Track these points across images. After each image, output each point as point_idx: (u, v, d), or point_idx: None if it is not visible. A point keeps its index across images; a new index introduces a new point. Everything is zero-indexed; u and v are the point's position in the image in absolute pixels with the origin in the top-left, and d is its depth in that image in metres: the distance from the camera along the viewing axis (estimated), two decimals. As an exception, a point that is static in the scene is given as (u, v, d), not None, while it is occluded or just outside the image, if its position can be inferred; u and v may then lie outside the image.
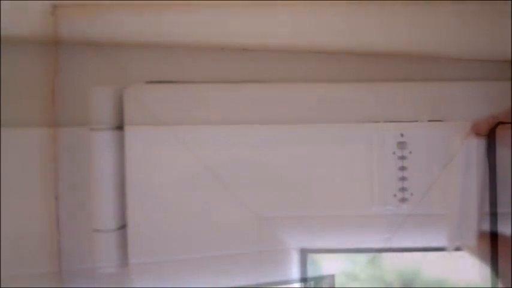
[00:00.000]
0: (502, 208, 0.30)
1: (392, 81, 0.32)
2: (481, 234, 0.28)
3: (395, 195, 0.31)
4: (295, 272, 0.33)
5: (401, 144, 0.31)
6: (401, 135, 0.31)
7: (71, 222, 0.34)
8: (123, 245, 0.32)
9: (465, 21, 0.31)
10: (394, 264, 0.58)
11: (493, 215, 0.28)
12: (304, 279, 0.34)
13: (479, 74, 0.33)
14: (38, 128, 0.34)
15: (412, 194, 0.31)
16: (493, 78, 0.32)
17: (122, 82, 0.32)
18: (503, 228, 0.28)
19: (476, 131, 0.29)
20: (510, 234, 0.28)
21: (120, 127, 0.32)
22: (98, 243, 0.32)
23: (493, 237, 0.28)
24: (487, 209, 0.29)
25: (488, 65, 0.33)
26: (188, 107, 0.31)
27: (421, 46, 0.32)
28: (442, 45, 0.32)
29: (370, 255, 0.58)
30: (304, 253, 0.34)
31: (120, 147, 0.32)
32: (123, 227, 0.32)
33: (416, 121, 0.31)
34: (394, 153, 0.31)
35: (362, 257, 0.57)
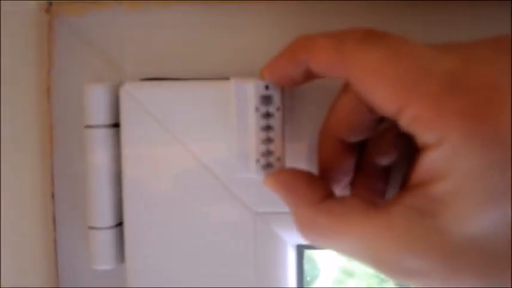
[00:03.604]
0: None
1: None
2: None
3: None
4: (291, 269, 0.33)
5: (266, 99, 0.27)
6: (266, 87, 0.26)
7: (67, 220, 0.34)
8: (120, 243, 0.32)
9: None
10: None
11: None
12: (300, 276, 0.34)
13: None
14: (33, 125, 0.34)
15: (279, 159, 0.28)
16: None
17: (117, 79, 0.32)
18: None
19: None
20: None
21: (116, 124, 0.32)
22: (94, 241, 0.32)
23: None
24: None
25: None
26: (184, 104, 0.31)
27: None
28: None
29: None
30: (300, 249, 0.34)
31: (116, 144, 0.32)
32: (119, 224, 0.32)
33: None
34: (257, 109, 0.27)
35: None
